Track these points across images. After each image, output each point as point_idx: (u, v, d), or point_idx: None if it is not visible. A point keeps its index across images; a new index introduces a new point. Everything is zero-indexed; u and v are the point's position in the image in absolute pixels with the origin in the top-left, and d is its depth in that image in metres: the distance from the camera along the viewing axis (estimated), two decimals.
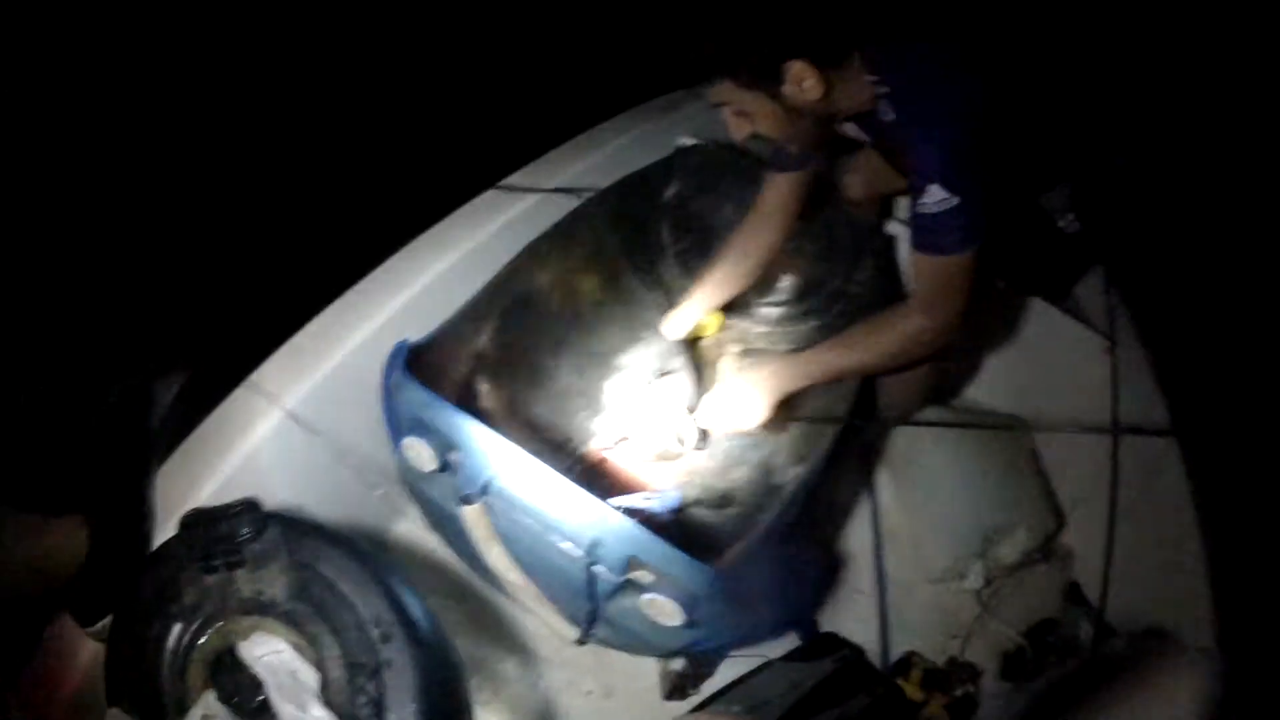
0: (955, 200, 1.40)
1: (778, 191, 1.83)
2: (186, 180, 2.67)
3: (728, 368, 2.12)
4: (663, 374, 1.89)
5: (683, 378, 1.89)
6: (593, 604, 1.41)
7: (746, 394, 1.65)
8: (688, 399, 1.85)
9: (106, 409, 1.46)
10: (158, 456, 1.55)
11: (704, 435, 1.84)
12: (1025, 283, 2.11)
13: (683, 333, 1.92)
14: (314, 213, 2.87)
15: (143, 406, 1.55)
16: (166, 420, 1.58)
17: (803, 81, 1.43)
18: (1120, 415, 1.95)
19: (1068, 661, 1.84)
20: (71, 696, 1.35)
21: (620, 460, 1.89)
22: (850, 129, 1.70)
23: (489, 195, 2.00)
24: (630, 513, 1.37)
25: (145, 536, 1.45)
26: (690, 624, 1.32)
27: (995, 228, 1.74)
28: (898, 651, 1.96)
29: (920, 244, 1.49)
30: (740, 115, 1.55)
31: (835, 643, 1.88)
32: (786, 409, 1.68)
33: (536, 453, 1.34)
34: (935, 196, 1.41)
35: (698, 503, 1.83)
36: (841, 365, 1.62)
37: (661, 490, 1.77)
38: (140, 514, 1.47)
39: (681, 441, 1.82)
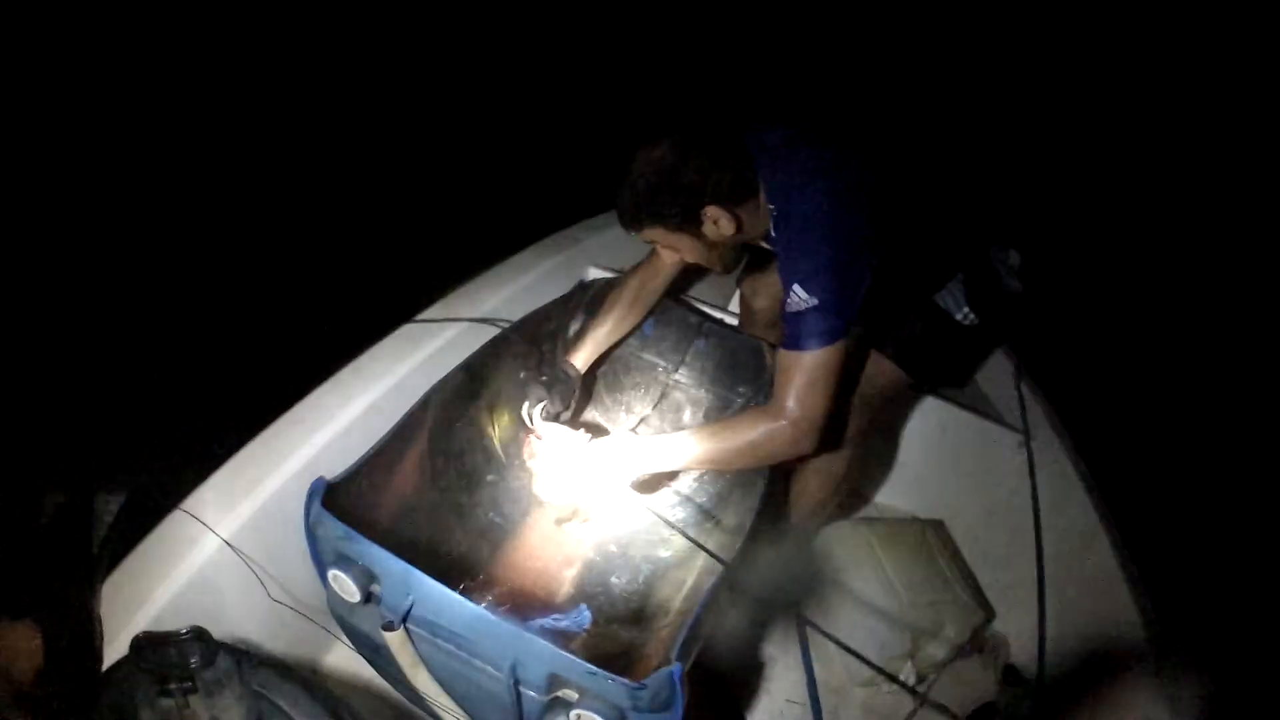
0: (814, 301, 1.60)
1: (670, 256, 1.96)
2: (122, 299, 2.75)
3: None
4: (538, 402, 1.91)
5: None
6: None
7: (599, 461, 1.70)
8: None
9: (48, 516, 1.53)
10: (100, 572, 1.58)
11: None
12: (930, 378, 2.24)
13: (584, 366, 2.00)
14: (241, 341, 2.98)
15: (84, 519, 1.60)
16: (108, 538, 1.62)
17: (718, 221, 1.72)
18: (1039, 503, 2.04)
19: None
20: None
21: (537, 581, 1.93)
22: (762, 243, 1.91)
23: (407, 328, 2.09)
24: (544, 632, 1.40)
25: (96, 650, 1.48)
26: None
27: (893, 326, 1.90)
28: None
29: (784, 342, 1.66)
30: (669, 248, 1.84)
31: None
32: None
33: (457, 581, 1.38)
34: (796, 297, 1.62)
35: (618, 619, 1.87)
36: (698, 455, 1.66)
37: (574, 609, 1.82)
38: (90, 626, 1.50)
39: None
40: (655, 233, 1.78)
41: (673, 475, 2.14)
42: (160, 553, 1.63)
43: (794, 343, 1.62)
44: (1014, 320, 2.10)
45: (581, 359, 2.01)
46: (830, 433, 1.82)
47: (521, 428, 1.88)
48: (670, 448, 1.68)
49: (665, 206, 1.71)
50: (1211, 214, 4.72)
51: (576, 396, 2.01)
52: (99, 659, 1.46)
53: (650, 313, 2.16)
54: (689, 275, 2.39)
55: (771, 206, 1.73)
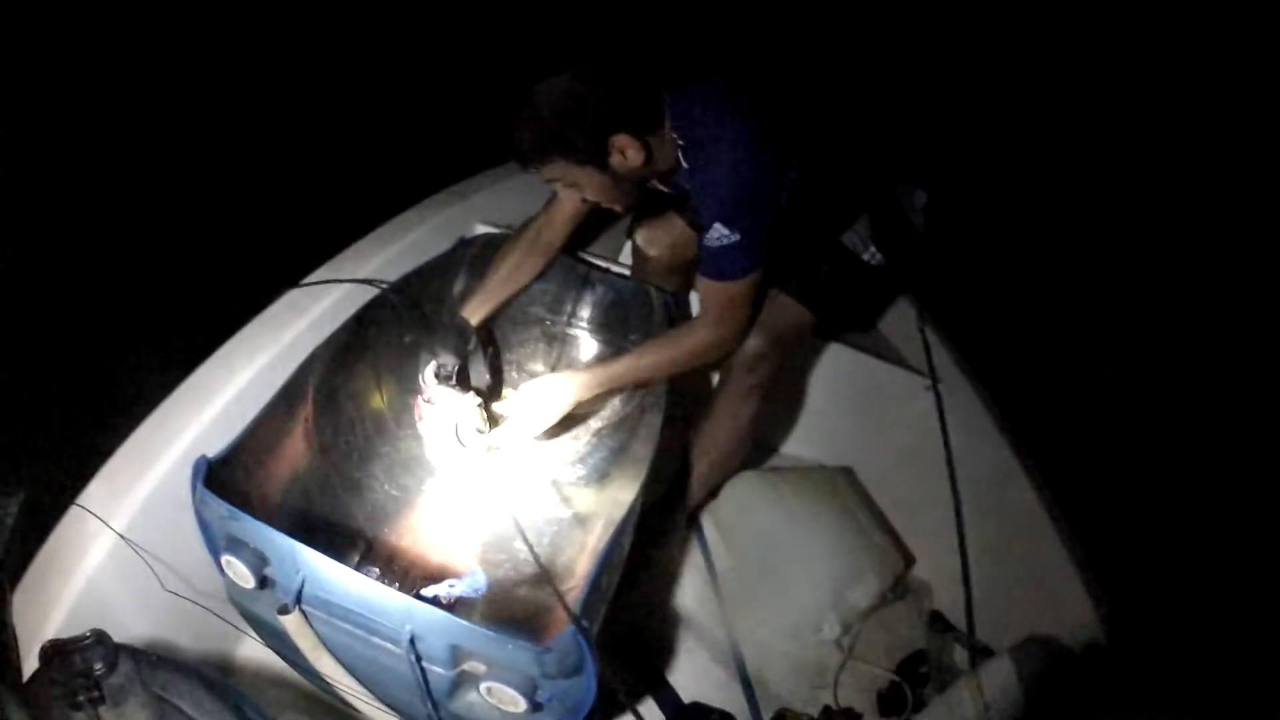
0: (735, 237, 1.65)
1: (569, 203, 1.93)
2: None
3: None
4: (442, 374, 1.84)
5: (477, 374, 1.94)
6: (432, 702, 1.39)
7: (543, 398, 1.77)
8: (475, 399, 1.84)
9: None
10: (8, 579, 1.50)
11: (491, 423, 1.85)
12: (835, 318, 2.22)
13: (477, 319, 1.97)
14: (120, 323, 2.84)
15: None
16: (11, 542, 1.53)
17: (626, 151, 1.67)
18: (951, 445, 2.03)
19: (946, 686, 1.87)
20: None
21: (434, 551, 1.87)
22: (657, 184, 1.89)
23: (292, 294, 1.99)
24: (438, 602, 1.35)
25: (15, 662, 1.40)
26: (536, 707, 1.32)
27: (800, 266, 1.87)
28: (768, 713, 1.96)
29: (705, 271, 1.74)
30: (571, 187, 1.77)
31: (703, 712, 1.91)
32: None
33: (348, 556, 1.32)
34: (718, 233, 1.66)
35: (523, 584, 1.81)
36: (632, 372, 1.80)
37: (468, 574, 1.77)
38: (5, 637, 1.42)
39: (463, 437, 1.81)
40: (558, 168, 1.69)
41: (570, 429, 2.10)
42: (63, 553, 1.55)
43: (717, 274, 1.73)
44: (920, 260, 2.12)
45: (472, 310, 1.95)
46: (739, 381, 1.97)
47: (412, 391, 1.85)
48: (612, 371, 1.79)
49: (573, 136, 1.63)
50: (1115, 156, 4.80)
51: (472, 348, 1.94)
52: (19, 671, 1.38)
53: (548, 266, 2.09)
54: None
55: (675, 135, 1.72)
